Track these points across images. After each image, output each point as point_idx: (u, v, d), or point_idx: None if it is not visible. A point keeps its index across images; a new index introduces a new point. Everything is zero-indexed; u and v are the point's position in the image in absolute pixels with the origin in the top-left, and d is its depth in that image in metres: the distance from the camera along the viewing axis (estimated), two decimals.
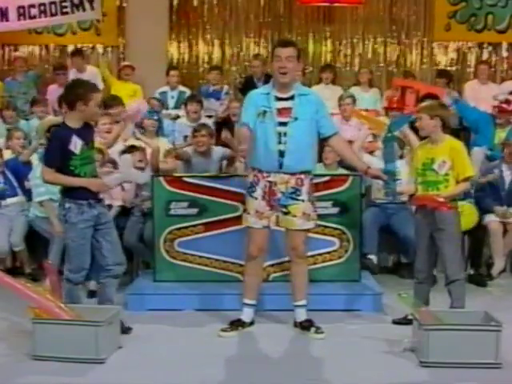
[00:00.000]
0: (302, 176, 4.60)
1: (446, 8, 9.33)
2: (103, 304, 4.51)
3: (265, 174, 4.55)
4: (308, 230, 4.72)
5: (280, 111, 4.51)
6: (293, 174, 4.56)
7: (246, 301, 4.75)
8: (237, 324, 4.69)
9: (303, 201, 4.61)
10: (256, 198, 4.57)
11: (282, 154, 4.49)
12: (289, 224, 4.63)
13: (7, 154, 6.64)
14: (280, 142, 4.48)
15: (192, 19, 9.47)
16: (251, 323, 4.75)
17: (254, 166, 4.60)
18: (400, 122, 4.94)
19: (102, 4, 9.26)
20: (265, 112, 4.50)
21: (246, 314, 4.74)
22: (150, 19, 9.07)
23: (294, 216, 4.60)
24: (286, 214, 4.61)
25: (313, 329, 4.60)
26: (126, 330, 4.57)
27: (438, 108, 4.78)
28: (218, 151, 6.46)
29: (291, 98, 4.55)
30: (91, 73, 8.33)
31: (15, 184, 6.38)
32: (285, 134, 4.48)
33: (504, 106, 7.43)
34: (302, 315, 4.70)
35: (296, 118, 4.51)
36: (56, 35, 9.40)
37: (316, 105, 4.64)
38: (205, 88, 8.35)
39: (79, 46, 9.47)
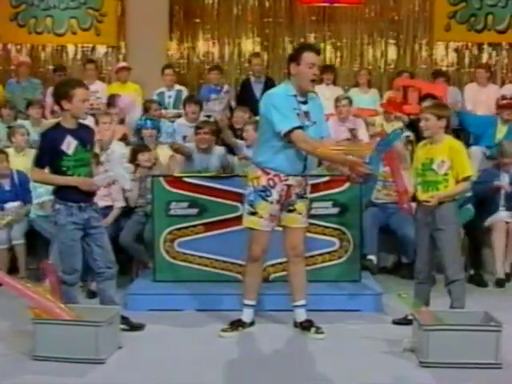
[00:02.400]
0: (307, 176, 4.65)
1: (446, 8, 9.34)
2: (106, 305, 4.52)
3: (283, 178, 4.49)
4: (306, 229, 4.73)
5: (305, 115, 4.49)
6: (305, 176, 4.59)
7: (247, 301, 4.74)
8: (237, 324, 4.68)
9: (307, 198, 4.66)
10: (271, 203, 4.51)
11: (305, 157, 4.49)
12: (291, 222, 4.62)
13: (10, 152, 6.64)
14: None
15: (192, 19, 9.48)
16: (251, 323, 4.75)
17: (274, 168, 4.48)
18: (387, 143, 4.84)
19: (102, 4, 9.33)
20: (298, 115, 4.44)
21: (247, 315, 4.73)
22: (150, 19, 9.07)
23: (300, 213, 4.60)
24: (290, 211, 4.60)
25: (313, 329, 4.59)
26: (137, 327, 4.63)
27: (444, 109, 4.78)
28: (220, 150, 6.46)
29: (306, 101, 4.53)
30: (99, 86, 8.34)
31: (19, 189, 6.35)
32: None
33: (505, 102, 7.45)
34: (301, 315, 4.69)
35: (314, 122, 4.50)
36: (56, 35, 9.41)
37: (321, 109, 4.70)
38: (206, 91, 8.34)
39: (79, 45, 9.50)
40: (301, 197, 4.61)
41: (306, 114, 4.49)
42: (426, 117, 4.61)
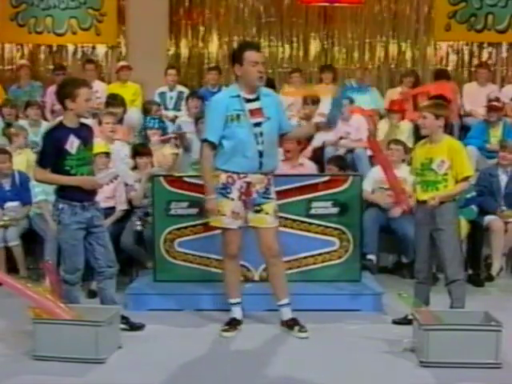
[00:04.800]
0: (270, 175, 4.65)
1: (446, 8, 9.35)
2: (106, 304, 4.53)
3: (241, 175, 4.52)
4: (277, 228, 4.72)
5: (252, 112, 4.51)
6: (266, 173, 4.59)
7: (233, 300, 4.76)
8: (235, 323, 4.69)
9: (273, 198, 4.65)
10: (232, 199, 4.53)
11: (261, 154, 4.50)
12: (260, 222, 4.61)
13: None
14: (258, 143, 4.48)
15: (192, 19, 9.49)
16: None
17: (229, 169, 4.52)
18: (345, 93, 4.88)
19: (102, 4, 9.33)
20: (238, 116, 4.47)
21: (238, 312, 4.75)
22: (150, 19, 9.08)
23: (267, 213, 4.60)
24: (257, 212, 4.59)
25: (297, 327, 4.59)
26: (137, 327, 4.64)
27: (443, 108, 4.77)
28: None
29: (257, 98, 4.56)
30: (99, 86, 8.34)
31: (19, 189, 6.34)
32: (261, 133, 4.49)
33: (495, 103, 7.49)
34: (286, 314, 4.68)
35: (269, 118, 4.53)
36: (56, 35, 9.41)
37: (278, 104, 4.72)
38: (203, 91, 8.37)
39: (79, 45, 9.50)
40: (265, 197, 4.59)
41: (257, 110, 4.52)
42: (424, 115, 4.61)
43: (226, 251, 4.69)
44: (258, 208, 4.59)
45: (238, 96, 4.51)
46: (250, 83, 4.51)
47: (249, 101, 4.53)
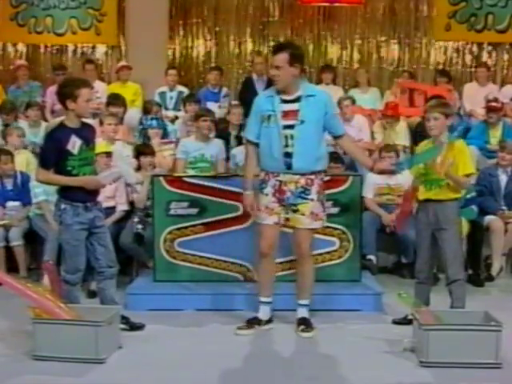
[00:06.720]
0: (312, 176, 4.59)
1: (446, 8, 9.34)
2: (106, 305, 4.52)
3: (274, 174, 4.59)
4: (314, 230, 4.72)
5: (286, 114, 4.50)
6: (303, 174, 4.57)
7: (261, 299, 4.75)
8: (253, 322, 4.69)
9: (312, 200, 4.60)
10: (266, 195, 4.60)
11: (289, 155, 4.49)
12: (296, 222, 4.63)
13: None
14: (287, 145, 4.48)
15: (192, 19, 9.48)
16: (268, 321, 4.75)
17: (263, 168, 4.64)
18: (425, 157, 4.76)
19: (102, 4, 9.33)
20: (269, 116, 4.51)
21: (263, 312, 4.74)
22: (150, 19, 9.08)
23: (303, 214, 4.60)
24: (294, 211, 4.61)
25: (302, 326, 4.61)
26: (137, 327, 4.65)
27: (450, 107, 4.79)
28: (218, 142, 6.62)
29: (297, 99, 4.53)
30: (99, 86, 8.34)
31: (21, 190, 6.35)
32: (291, 136, 4.48)
33: (494, 104, 7.49)
34: (300, 313, 4.70)
35: (302, 121, 4.48)
36: (56, 35, 9.41)
37: (325, 106, 4.58)
38: (203, 91, 8.39)
39: (79, 45, 9.50)
40: (302, 197, 4.58)
41: (292, 112, 4.50)
42: (435, 116, 4.56)
43: (258, 248, 4.70)
44: (295, 208, 4.61)
45: (272, 96, 4.56)
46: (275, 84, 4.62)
47: (286, 102, 4.54)
